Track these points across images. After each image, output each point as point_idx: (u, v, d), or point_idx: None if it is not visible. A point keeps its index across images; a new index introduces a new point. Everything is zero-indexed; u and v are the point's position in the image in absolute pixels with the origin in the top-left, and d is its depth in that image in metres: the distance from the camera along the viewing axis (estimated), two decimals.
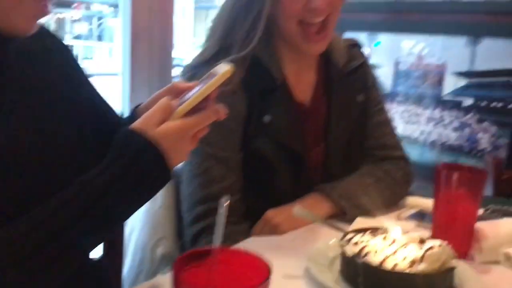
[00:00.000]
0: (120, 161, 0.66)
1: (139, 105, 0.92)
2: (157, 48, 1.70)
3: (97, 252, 0.98)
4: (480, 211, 1.15)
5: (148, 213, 1.20)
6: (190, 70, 1.14)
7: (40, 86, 0.79)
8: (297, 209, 0.96)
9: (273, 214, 1.07)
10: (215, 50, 1.13)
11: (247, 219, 1.11)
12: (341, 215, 1.09)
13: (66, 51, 0.89)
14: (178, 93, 0.78)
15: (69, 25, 17.04)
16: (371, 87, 1.29)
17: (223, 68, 0.69)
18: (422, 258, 0.76)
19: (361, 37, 2.08)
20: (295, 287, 0.81)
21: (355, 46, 1.30)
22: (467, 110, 1.88)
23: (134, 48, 1.66)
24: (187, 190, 1.11)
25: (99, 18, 18.53)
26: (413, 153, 1.73)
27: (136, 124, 0.70)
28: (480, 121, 1.85)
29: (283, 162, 1.13)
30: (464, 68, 1.87)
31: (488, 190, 1.55)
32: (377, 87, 1.33)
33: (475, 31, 1.82)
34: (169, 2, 1.74)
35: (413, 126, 2.00)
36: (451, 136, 1.91)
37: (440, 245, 0.79)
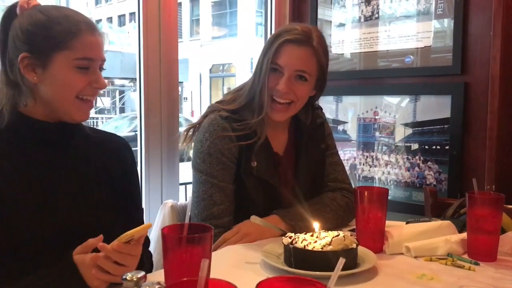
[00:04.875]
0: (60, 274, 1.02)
1: None
2: (165, 117, 2.16)
3: None
4: (404, 223, 1.56)
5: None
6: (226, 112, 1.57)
7: (95, 166, 1.21)
8: (254, 217, 1.39)
9: (246, 225, 1.45)
10: (241, 105, 1.57)
11: None
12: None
13: (130, 155, 1.30)
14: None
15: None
16: (327, 136, 1.73)
17: (145, 225, 1.04)
18: (330, 243, 1.17)
19: (329, 99, 2.54)
20: (253, 268, 1.21)
21: (317, 108, 1.75)
22: (415, 153, 2.25)
23: (147, 117, 2.10)
24: (195, 210, 1.52)
25: (121, 92, 19.52)
26: None
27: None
28: (425, 161, 2.22)
29: (262, 194, 1.54)
30: (409, 120, 2.26)
31: (427, 213, 1.94)
32: (332, 137, 1.77)
33: (415, 91, 2.24)
34: (175, 82, 2.22)
35: (375, 169, 2.39)
36: (405, 174, 2.28)
37: (344, 236, 1.20)
